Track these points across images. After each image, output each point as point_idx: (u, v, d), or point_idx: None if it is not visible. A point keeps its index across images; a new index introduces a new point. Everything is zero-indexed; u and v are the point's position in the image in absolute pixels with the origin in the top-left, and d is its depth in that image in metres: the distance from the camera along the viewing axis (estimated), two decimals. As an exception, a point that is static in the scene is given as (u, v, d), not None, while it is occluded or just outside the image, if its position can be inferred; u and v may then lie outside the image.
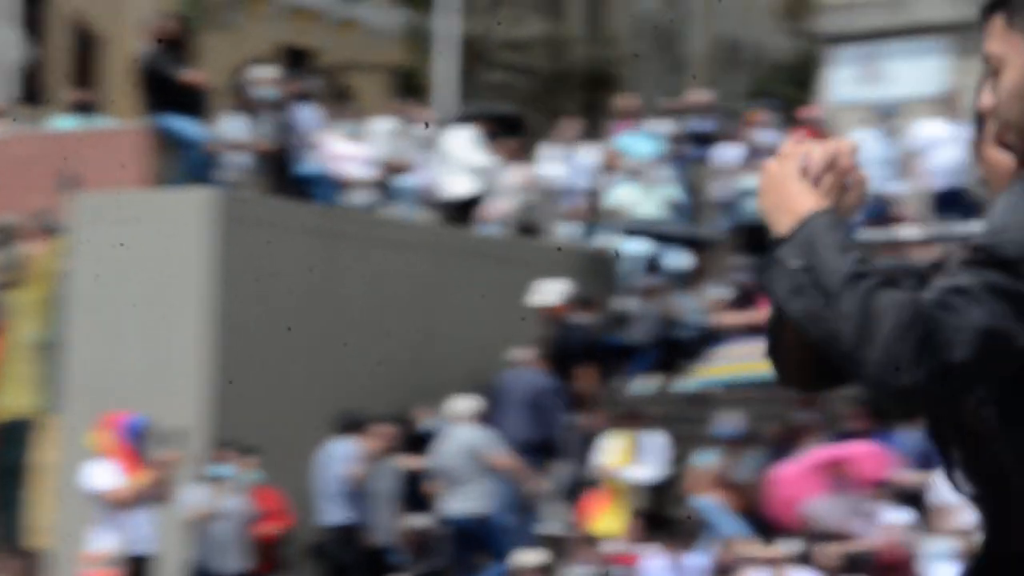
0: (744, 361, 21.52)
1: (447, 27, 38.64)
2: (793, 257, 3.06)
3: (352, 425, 19.69)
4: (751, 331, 21.75)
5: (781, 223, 3.09)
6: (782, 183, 3.17)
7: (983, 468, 3.22)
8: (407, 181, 25.30)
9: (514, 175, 25.35)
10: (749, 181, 24.08)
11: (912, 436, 19.41)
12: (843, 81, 34.27)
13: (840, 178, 3.22)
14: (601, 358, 22.99)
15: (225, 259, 20.64)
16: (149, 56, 22.67)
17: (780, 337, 3.40)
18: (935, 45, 33.20)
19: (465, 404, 20.54)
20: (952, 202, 24.46)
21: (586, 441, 21.31)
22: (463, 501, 20.01)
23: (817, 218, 3.10)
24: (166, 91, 22.01)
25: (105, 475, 15.96)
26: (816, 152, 3.19)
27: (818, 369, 3.38)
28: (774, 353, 3.48)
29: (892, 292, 2.94)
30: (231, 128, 22.83)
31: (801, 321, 3.01)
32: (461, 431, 20.22)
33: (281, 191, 22.96)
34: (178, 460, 16.65)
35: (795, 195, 3.16)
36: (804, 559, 18.23)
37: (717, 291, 24.04)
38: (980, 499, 3.30)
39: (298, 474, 19.43)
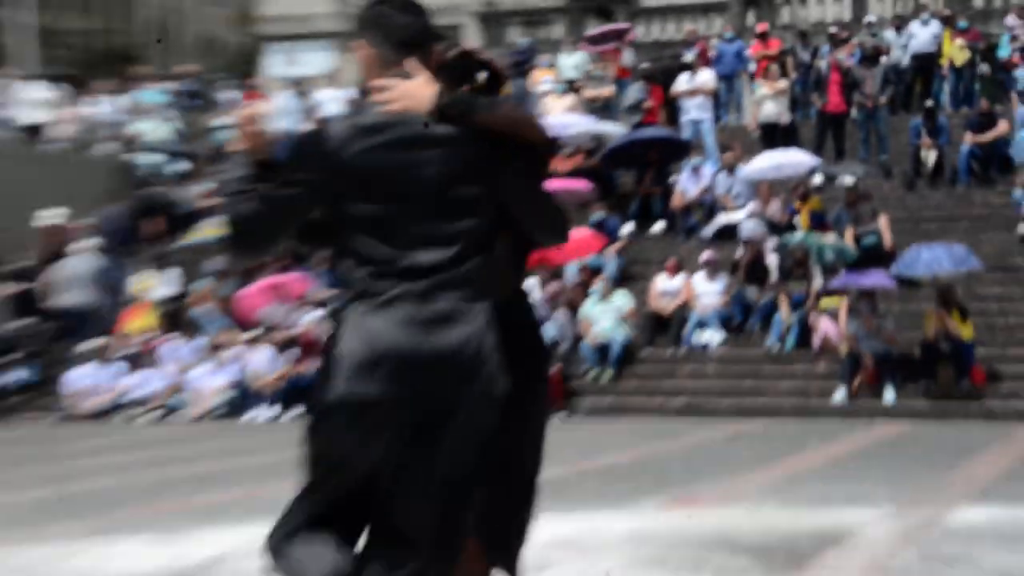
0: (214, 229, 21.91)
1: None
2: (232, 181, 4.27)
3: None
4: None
5: None
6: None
7: None
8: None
9: (71, 112, 26.57)
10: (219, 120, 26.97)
11: (320, 271, 21.86)
12: (275, 64, 37.94)
13: (247, 130, 4.27)
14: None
15: None
16: None
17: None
18: (327, 44, 37.99)
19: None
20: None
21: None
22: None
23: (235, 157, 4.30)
24: None
25: None
26: (240, 114, 4.33)
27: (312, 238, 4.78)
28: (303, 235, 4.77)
29: (238, 201, 4.24)
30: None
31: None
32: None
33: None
34: None
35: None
36: (262, 340, 20.69)
37: (203, 186, 25.47)
38: None
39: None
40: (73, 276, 22.11)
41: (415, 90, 4.14)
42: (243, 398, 20.14)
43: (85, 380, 20.17)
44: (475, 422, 4.15)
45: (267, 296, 21.21)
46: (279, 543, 4.17)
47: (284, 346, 20.50)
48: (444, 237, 4.14)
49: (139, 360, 20.61)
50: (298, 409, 19.28)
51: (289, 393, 19.86)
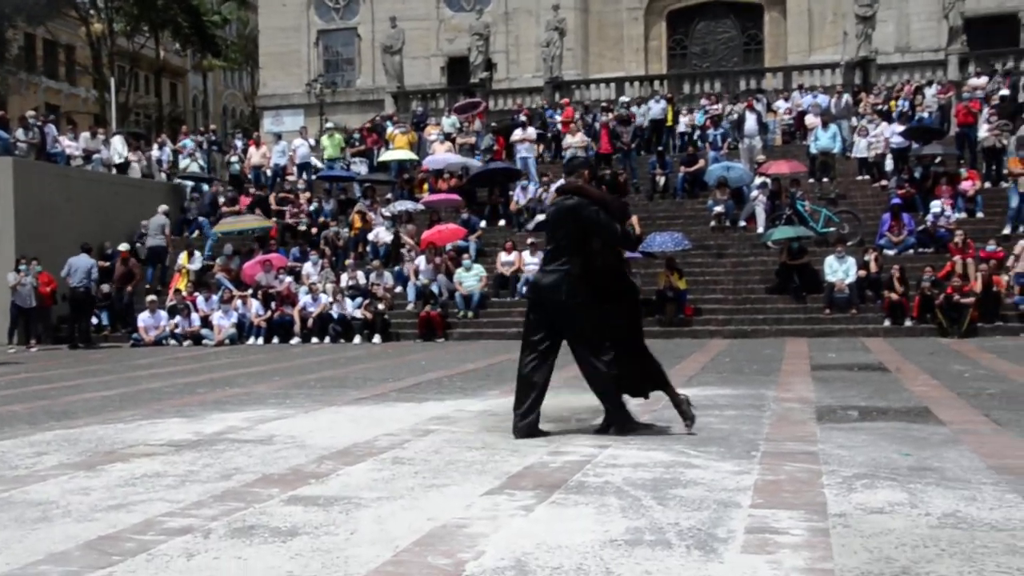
0: (242, 221, 22.32)
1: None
2: None
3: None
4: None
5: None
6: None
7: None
8: None
9: (141, 155, 25.12)
10: (231, 158, 26.04)
11: (292, 252, 21.22)
12: (267, 124, 36.27)
13: None
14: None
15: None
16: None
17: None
18: (299, 111, 36.37)
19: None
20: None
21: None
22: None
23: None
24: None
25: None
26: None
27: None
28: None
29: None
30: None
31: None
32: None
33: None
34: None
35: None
36: (256, 295, 19.48)
37: (220, 199, 24.05)
38: None
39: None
40: (154, 226, 21.91)
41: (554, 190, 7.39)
42: (243, 331, 19.48)
43: (147, 320, 19.50)
44: (559, 309, 6.32)
45: (259, 267, 20.68)
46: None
47: (268, 298, 19.87)
48: (555, 240, 6.48)
49: (180, 308, 19.74)
50: (277, 338, 18.87)
51: (272, 328, 19.35)
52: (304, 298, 19.41)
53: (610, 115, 25.55)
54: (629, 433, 6.41)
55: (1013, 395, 8.59)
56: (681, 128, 26.78)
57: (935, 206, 19.75)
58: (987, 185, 21.27)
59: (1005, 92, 24.83)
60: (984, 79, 26.41)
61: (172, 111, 55.21)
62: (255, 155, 26.12)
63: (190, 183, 25.34)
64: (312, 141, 27.10)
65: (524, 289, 19.81)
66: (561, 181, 6.91)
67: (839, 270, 18.04)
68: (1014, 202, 19.57)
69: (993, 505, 4.42)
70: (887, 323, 17.27)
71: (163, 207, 22.21)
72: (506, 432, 6.81)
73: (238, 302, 19.67)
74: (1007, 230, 19.43)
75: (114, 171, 24.18)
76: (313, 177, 25.66)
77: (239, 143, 27.91)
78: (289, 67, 41.08)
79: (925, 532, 3.98)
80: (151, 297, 19.81)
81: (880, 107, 25.92)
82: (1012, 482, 4.88)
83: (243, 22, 57.06)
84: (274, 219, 23.01)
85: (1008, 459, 5.52)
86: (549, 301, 6.27)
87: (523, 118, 26.15)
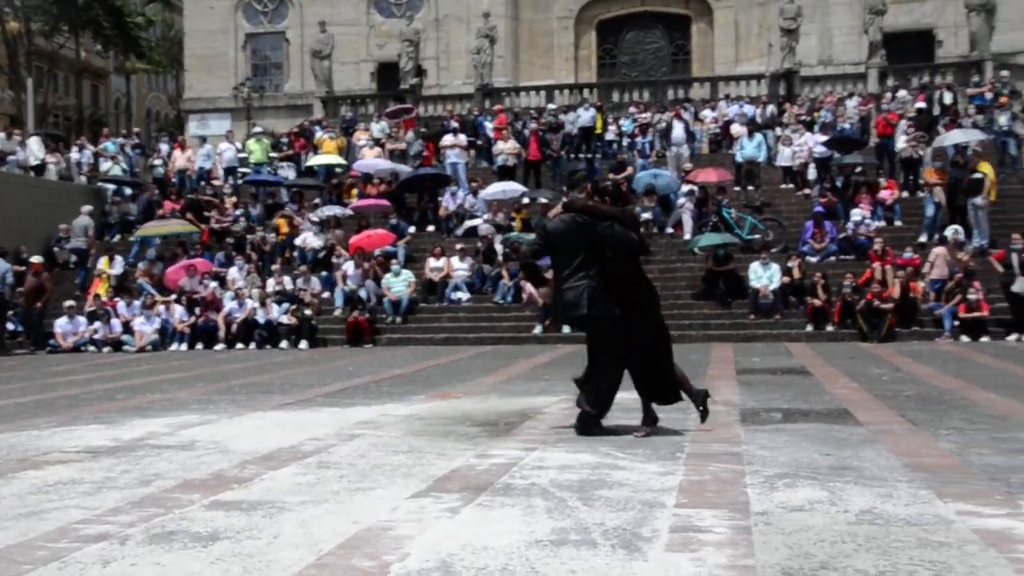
0: (166, 225, 22.06)
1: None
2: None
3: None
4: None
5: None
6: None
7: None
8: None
9: (60, 156, 24.62)
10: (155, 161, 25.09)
11: (217, 257, 20.79)
12: (192, 127, 35.40)
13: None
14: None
15: None
16: None
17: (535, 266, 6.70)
18: (226, 115, 35.53)
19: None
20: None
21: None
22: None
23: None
24: None
25: None
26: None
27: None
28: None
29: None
30: None
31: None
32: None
33: None
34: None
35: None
36: (181, 300, 19.34)
37: (143, 203, 23.67)
38: None
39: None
40: (77, 227, 21.82)
41: (560, 205, 6.63)
42: (166, 337, 19.17)
43: (65, 326, 19.04)
44: (581, 321, 6.50)
45: (183, 272, 20.29)
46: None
47: (192, 304, 19.59)
48: (571, 256, 6.33)
49: (100, 313, 19.30)
50: (201, 344, 18.60)
51: (196, 334, 19.11)
52: (229, 304, 19.19)
53: (540, 122, 25.54)
54: (590, 435, 6.54)
55: (927, 397, 8.81)
56: (610, 136, 26.95)
57: (856, 214, 20.23)
58: (904, 194, 21.82)
59: (921, 105, 25.53)
60: (888, 94, 27.22)
61: (93, 113, 53.74)
62: (180, 158, 25.62)
63: (111, 187, 24.72)
64: (239, 145, 26.61)
65: (452, 295, 19.80)
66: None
67: (763, 276, 18.36)
68: (929, 211, 20.11)
69: (908, 501, 4.52)
70: (809, 328, 17.61)
71: (86, 207, 21.80)
72: (433, 436, 6.77)
73: (161, 308, 19.35)
74: (923, 238, 19.92)
75: (31, 173, 23.49)
76: (239, 181, 25.16)
77: (164, 146, 27.32)
78: (216, 70, 40.37)
79: (843, 528, 4.06)
80: (69, 302, 19.36)
81: (803, 118, 26.48)
82: (925, 479, 5.00)
83: (168, 24, 55.92)
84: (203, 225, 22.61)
85: (922, 457, 5.65)
86: (572, 316, 6.47)
87: (454, 124, 26.00)
